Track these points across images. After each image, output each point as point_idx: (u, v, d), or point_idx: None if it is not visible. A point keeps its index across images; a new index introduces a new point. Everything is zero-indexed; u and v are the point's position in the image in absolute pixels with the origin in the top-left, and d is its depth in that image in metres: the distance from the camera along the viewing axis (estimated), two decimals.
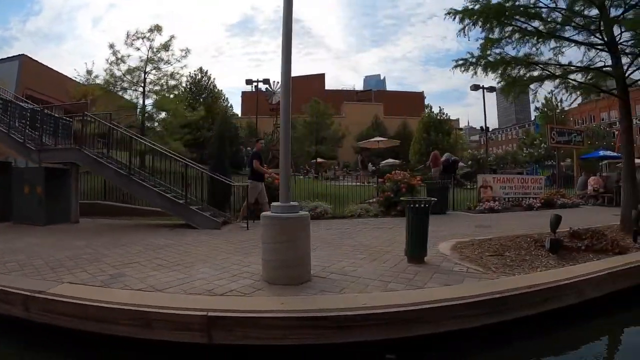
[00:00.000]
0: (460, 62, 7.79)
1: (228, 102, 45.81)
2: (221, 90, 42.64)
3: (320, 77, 70.63)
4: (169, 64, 18.81)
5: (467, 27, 7.43)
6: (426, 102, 50.32)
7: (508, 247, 5.98)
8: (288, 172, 4.71)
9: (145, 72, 18.70)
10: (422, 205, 5.24)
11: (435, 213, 11.87)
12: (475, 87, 28.86)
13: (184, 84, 23.21)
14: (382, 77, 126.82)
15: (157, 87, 19.11)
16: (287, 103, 4.64)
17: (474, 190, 14.01)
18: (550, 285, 4.21)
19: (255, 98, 71.19)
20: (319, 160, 36.96)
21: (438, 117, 37.51)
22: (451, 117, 51.46)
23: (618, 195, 15.88)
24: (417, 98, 60.87)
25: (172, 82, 19.21)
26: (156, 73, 19.00)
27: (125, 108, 18.90)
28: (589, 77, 8.38)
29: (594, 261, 5.24)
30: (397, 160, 32.71)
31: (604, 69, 8.04)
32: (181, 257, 5.74)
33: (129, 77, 18.50)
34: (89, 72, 19.27)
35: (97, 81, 18.75)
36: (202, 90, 39.54)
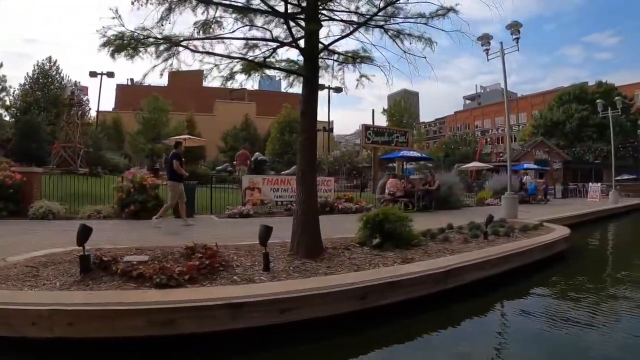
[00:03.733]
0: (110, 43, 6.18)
1: (84, 95, 41.37)
2: (79, 82, 38.79)
3: (198, 74, 66.76)
4: None
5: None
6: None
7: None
8: None
9: None
10: None
11: (180, 217, 10.42)
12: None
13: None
14: (277, 78, 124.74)
15: None
16: None
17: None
18: None
19: (130, 91, 65.10)
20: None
21: (296, 118, 37.03)
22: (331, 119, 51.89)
23: (419, 200, 16.06)
24: (295, 99, 60.55)
25: None
26: None
27: None
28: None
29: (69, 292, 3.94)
30: None
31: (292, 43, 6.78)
32: None
33: None
34: None
35: None
36: (49, 81, 36.28)
